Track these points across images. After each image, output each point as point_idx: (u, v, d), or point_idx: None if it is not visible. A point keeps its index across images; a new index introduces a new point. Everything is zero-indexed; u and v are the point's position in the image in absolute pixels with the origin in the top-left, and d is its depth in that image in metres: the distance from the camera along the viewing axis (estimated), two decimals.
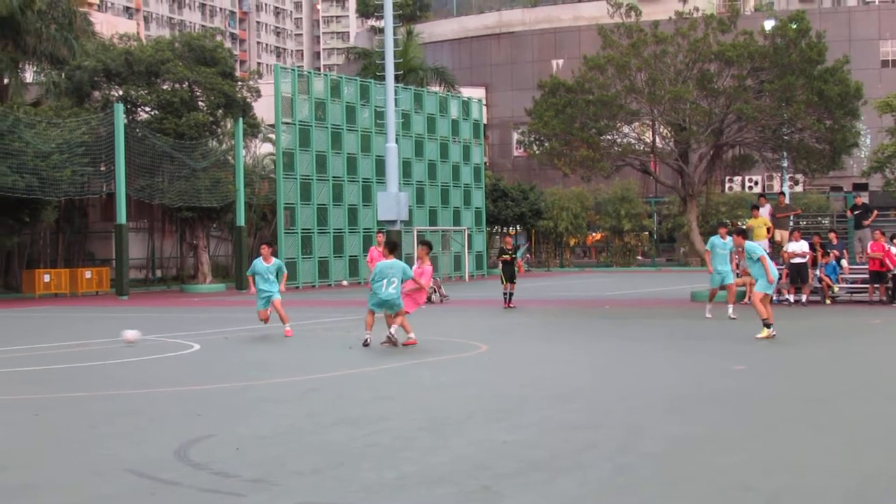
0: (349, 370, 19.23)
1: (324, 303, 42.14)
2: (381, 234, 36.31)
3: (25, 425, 13.53)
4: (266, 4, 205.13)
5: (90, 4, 76.30)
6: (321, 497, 9.61)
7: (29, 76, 58.44)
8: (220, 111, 57.45)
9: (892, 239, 35.37)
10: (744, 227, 35.41)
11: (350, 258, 59.42)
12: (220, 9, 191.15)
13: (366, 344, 22.85)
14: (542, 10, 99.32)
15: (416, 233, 60.17)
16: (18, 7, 52.56)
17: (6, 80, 55.94)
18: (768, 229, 37.66)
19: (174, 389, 16.97)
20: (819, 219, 49.00)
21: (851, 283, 37.13)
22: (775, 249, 37.74)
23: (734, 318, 28.92)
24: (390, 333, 22.76)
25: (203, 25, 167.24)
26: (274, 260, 27.13)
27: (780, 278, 30.92)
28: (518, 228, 79.95)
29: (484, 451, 11.42)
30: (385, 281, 22.68)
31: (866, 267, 35.86)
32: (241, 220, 57.27)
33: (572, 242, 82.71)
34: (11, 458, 11.44)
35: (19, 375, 19.57)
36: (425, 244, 24.77)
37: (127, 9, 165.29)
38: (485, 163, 72.68)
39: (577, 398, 15.18)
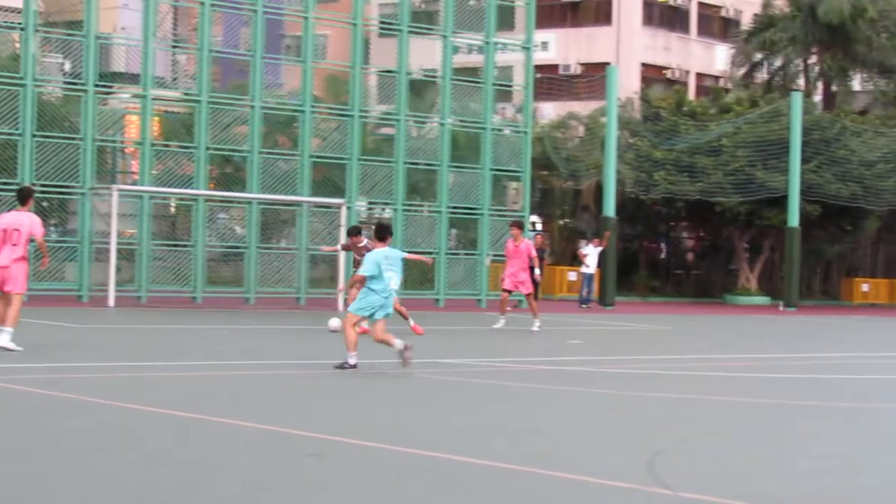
0: None
1: None
2: None
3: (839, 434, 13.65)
4: None
5: None
6: None
7: (857, 84, 58.51)
8: None
9: None
10: None
11: None
12: None
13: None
14: None
15: None
16: (850, 16, 52.81)
17: (834, 88, 56.44)
18: None
19: None
20: None
21: None
22: None
23: None
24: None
25: None
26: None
27: None
28: None
29: None
30: None
31: None
32: None
33: None
34: (830, 462, 11.60)
35: (814, 383, 19.76)
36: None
37: None
38: None
39: None
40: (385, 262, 17.38)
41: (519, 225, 28.33)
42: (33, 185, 29.79)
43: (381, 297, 17.30)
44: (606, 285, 40.88)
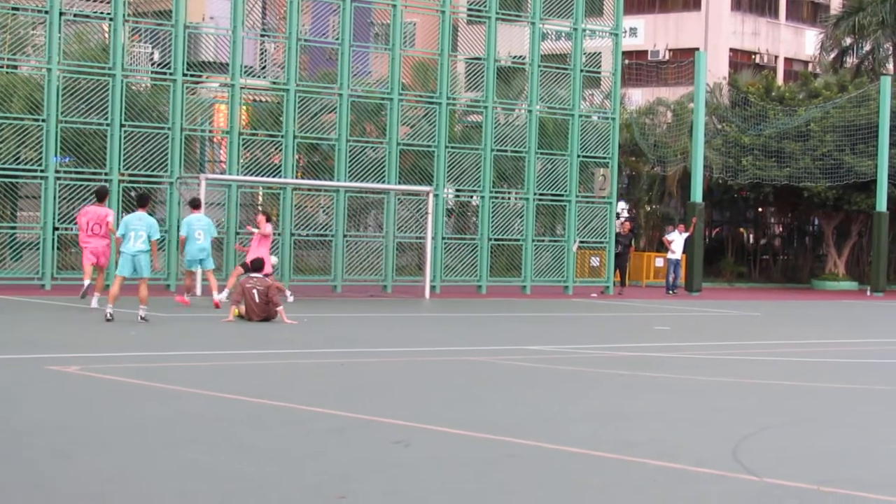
0: None
1: None
2: None
3: None
4: None
5: None
6: None
7: None
8: None
9: None
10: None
11: None
12: None
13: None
14: None
15: None
16: None
17: None
18: None
19: None
20: None
21: None
22: None
23: None
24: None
25: None
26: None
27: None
28: None
29: None
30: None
31: None
32: None
33: None
34: None
35: None
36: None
37: None
38: None
39: None
40: (137, 222, 20.66)
41: (268, 217, 27.93)
42: (121, 174, 30.34)
43: (129, 256, 20.48)
44: (693, 271, 40.65)
